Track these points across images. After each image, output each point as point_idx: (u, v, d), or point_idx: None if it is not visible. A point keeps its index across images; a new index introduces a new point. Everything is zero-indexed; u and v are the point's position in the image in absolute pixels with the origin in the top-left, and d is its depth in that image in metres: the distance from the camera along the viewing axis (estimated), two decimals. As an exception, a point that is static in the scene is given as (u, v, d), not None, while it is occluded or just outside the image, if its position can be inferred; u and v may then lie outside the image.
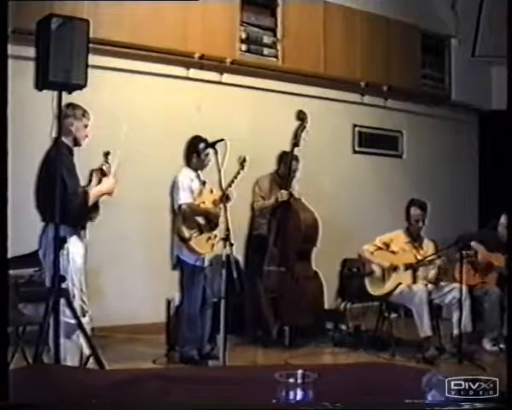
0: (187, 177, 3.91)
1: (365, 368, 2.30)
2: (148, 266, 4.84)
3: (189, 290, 3.90)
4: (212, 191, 3.87)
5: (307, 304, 4.60)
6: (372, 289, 4.39)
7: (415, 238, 4.42)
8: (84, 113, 3.25)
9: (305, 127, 4.45)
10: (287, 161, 4.55)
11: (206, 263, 3.88)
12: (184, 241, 3.83)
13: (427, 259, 4.22)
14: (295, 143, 4.47)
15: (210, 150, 3.78)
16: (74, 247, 3.10)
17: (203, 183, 3.95)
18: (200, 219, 3.88)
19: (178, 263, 3.92)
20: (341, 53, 5.81)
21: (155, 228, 4.66)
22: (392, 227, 4.62)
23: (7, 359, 1.96)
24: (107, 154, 3.23)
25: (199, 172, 3.96)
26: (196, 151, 3.90)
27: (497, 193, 2.56)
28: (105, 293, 4.45)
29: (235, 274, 3.33)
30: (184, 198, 3.85)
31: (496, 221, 4.44)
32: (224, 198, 3.68)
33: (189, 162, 3.95)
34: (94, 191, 3.17)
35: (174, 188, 3.89)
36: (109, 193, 3.23)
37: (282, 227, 4.55)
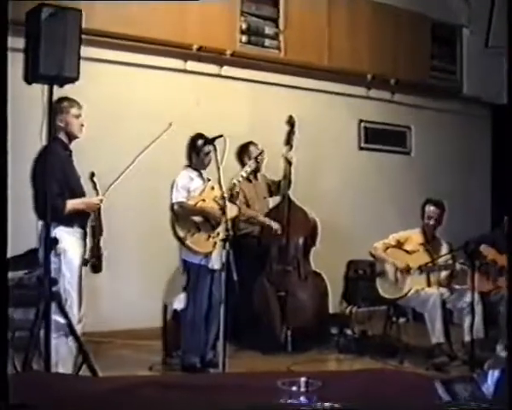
0: (185, 177, 3.95)
1: (372, 375, 2.30)
2: (145, 270, 4.84)
3: (194, 293, 3.91)
4: (213, 188, 3.88)
5: (312, 306, 4.60)
6: (385, 292, 4.38)
7: (430, 239, 4.41)
8: (72, 103, 3.24)
9: (294, 132, 4.54)
10: (250, 153, 4.62)
11: (217, 266, 3.82)
12: (181, 240, 3.86)
13: (440, 262, 4.21)
14: (290, 148, 4.56)
15: (210, 148, 3.79)
16: (71, 248, 3.11)
17: (207, 180, 3.96)
18: (197, 218, 3.90)
19: (186, 266, 3.95)
20: (346, 44, 5.80)
21: (153, 230, 4.67)
22: (400, 227, 4.61)
23: (6, 359, 2.00)
24: (92, 175, 3.24)
25: (202, 171, 3.98)
26: (196, 150, 3.93)
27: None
28: (100, 297, 4.44)
29: (235, 276, 3.33)
30: (176, 198, 3.89)
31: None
32: (226, 197, 3.71)
33: (190, 162, 4.00)
34: (70, 204, 3.15)
35: (172, 189, 3.92)
36: (87, 210, 3.23)
37: (284, 230, 4.59)
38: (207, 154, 3.87)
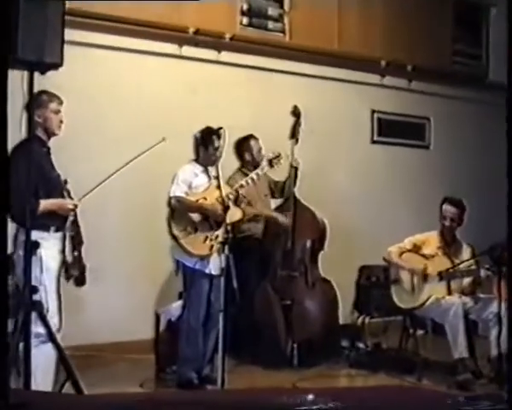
0: (189, 171, 3.95)
1: (387, 393, 2.28)
2: (134, 278, 4.83)
3: (189, 300, 3.90)
4: (218, 187, 3.86)
5: (320, 316, 4.59)
6: (400, 301, 4.36)
7: (450, 242, 4.39)
8: (51, 97, 3.24)
9: (300, 124, 4.53)
10: (250, 148, 4.62)
11: (215, 271, 3.80)
12: (175, 239, 3.85)
13: (462, 268, 4.18)
14: (296, 141, 4.53)
15: (220, 143, 3.78)
16: (48, 253, 3.10)
17: (215, 177, 3.93)
18: (195, 216, 3.88)
19: (179, 268, 3.94)
20: (358, 27, 5.79)
21: (142, 234, 4.66)
22: (416, 229, 4.60)
23: (7, 359, 2.06)
24: (65, 183, 3.24)
25: (208, 167, 3.96)
26: (205, 144, 3.92)
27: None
28: (86, 307, 4.43)
29: (235, 283, 3.31)
30: (174, 191, 3.88)
31: None
32: (232, 198, 3.70)
33: (197, 156, 4.00)
34: (42, 204, 3.12)
35: (172, 182, 3.92)
36: (60, 212, 3.20)
37: (289, 230, 4.57)
38: (217, 149, 3.84)
